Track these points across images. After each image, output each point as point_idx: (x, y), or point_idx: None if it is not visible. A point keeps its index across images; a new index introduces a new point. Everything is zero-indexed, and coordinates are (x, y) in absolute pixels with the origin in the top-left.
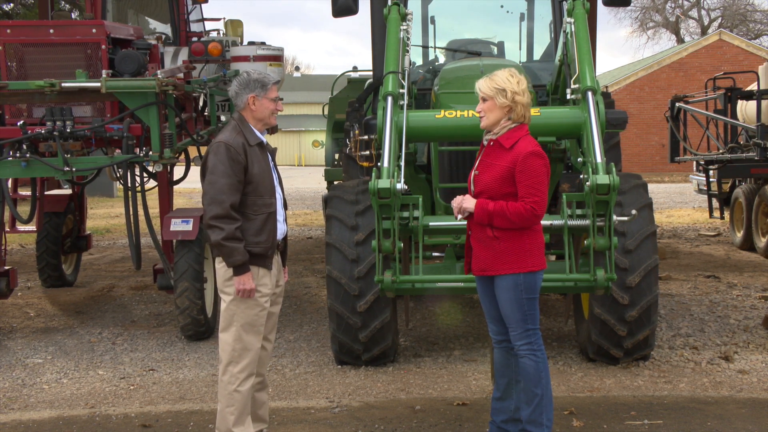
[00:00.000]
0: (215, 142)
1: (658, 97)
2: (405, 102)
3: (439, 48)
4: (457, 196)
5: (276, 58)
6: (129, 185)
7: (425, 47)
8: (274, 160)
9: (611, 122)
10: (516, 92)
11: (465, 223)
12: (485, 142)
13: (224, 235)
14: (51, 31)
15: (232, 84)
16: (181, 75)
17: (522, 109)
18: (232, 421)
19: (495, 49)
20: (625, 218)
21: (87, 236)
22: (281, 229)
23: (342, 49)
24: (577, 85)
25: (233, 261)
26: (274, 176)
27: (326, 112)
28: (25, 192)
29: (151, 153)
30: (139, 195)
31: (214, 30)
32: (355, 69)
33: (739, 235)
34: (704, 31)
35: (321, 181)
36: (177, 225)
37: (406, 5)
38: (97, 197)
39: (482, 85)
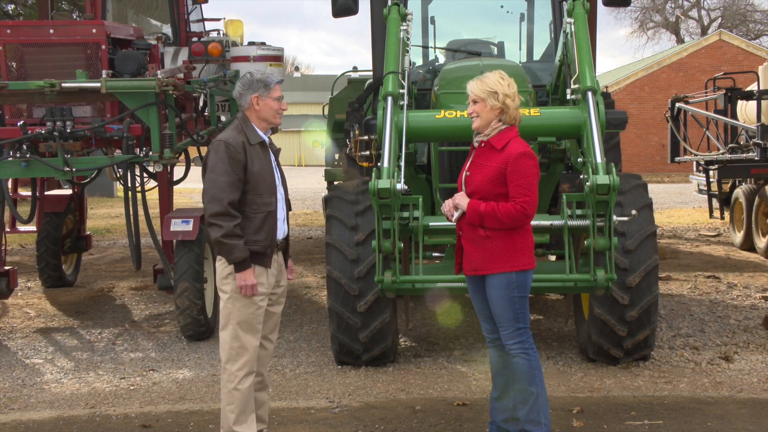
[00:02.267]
0: (216, 140)
1: (658, 97)
2: (405, 102)
3: (439, 48)
4: (447, 200)
5: (276, 58)
6: (129, 185)
7: (425, 47)
8: (277, 159)
9: (611, 122)
10: (507, 95)
11: None
12: (476, 144)
13: (223, 232)
14: (51, 31)
15: (235, 86)
16: (181, 75)
17: (513, 112)
18: (232, 420)
19: (495, 50)
20: (625, 218)
21: (87, 236)
22: (282, 229)
23: (339, 49)
24: (577, 86)
25: (233, 258)
26: (276, 176)
27: (326, 112)
28: (25, 192)
29: (151, 153)
30: (139, 195)
31: (214, 30)
32: (355, 69)
33: (739, 235)
34: (704, 31)
35: (321, 181)
36: (177, 225)
37: (406, 5)
38: (97, 197)
39: (473, 87)
